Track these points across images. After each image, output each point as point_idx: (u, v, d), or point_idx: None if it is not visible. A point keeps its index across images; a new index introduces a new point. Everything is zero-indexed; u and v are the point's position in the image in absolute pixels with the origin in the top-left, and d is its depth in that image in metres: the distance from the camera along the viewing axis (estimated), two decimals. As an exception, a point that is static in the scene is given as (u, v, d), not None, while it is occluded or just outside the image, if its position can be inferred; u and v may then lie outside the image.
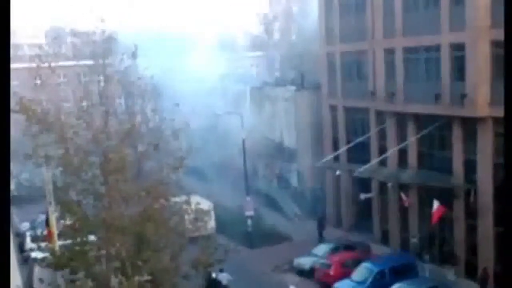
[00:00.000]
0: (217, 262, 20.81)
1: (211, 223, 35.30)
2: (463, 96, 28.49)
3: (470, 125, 29.00)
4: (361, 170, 34.33)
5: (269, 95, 49.29)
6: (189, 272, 20.12)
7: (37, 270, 24.65)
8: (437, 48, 30.16)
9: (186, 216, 20.41)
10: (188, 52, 53.51)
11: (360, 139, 36.79)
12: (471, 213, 29.58)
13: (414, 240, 33.15)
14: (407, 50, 32.47)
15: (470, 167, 29.47)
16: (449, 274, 30.15)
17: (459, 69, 29.16)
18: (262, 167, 50.91)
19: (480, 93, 27.73)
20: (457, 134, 29.90)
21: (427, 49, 31.22)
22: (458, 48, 28.93)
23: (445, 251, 31.55)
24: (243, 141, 40.10)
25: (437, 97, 30.07)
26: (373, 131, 36.17)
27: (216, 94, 52.89)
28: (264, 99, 49.82)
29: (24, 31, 76.08)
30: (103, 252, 19.16)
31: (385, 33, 34.03)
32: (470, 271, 29.89)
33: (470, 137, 29.27)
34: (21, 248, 33.79)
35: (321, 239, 36.95)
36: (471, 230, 29.86)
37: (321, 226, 37.98)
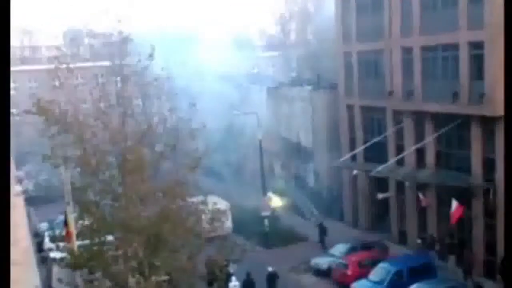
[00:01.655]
0: (233, 262, 20.83)
1: (228, 223, 35.40)
2: (482, 95, 28.24)
3: (488, 124, 28.73)
4: (379, 169, 34.15)
5: (285, 95, 49.24)
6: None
7: (55, 270, 24.88)
8: (455, 46, 29.90)
9: (203, 216, 20.46)
10: (204, 53, 53.60)
11: (377, 138, 36.59)
12: (490, 213, 29.29)
13: (418, 242, 32.97)
14: (425, 49, 32.23)
15: (488, 166, 29.18)
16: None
17: (477, 68, 28.89)
18: (279, 167, 50.85)
19: (499, 91, 27.37)
20: (475, 133, 29.63)
21: (445, 47, 30.97)
22: (477, 47, 28.67)
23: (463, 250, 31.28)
24: (260, 141, 40.09)
25: (455, 96, 29.82)
26: (390, 131, 35.96)
27: (232, 94, 52.94)
28: (281, 99, 49.78)
29: (42, 33, 76.78)
30: (121, 252, 19.27)
31: (402, 32, 33.82)
32: (489, 271, 29.59)
33: (488, 136, 29.00)
34: (39, 248, 34.08)
35: (323, 246, 36.17)
36: (490, 229, 29.57)
37: (322, 233, 37.05)
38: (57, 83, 19.78)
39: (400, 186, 35.79)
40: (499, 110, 27.39)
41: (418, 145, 33.32)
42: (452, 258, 31.20)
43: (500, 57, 27.07)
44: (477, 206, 30.05)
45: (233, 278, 29.04)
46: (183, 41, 54.41)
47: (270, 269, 30.66)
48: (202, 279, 20.59)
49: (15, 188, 10.92)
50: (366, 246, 34.08)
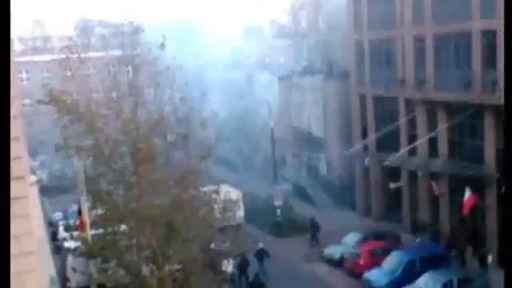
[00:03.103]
0: (246, 251, 20.89)
1: (240, 213, 35.44)
2: (495, 83, 27.99)
3: (502, 113, 28.48)
4: (391, 159, 34.05)
5: (297, 84, 49.11)
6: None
7: (70, 259, 25.09)
8: (468, 35, 29.64)
9: (215, 206, 20.52)
10: (215, 42, 53.58)
11: (389, 127, 36.44)
12: (504, 203, 29.12)
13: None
14: (437, 37, 31.99)
15: (502, 155, 28.98)
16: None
17: (490, 57, 28.62)
18: (291, 156, 50.84)
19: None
20: (488, 122, 29.42)
21: (458, 36, 30.71)
22: (489, 35, 28.40)
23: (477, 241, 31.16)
24: (272, 130, 40.07)
25: (468, 85, 29.62)
26: (402, 120, 35.80)
27: (244, 83, 52.92)
28: (292, 88, 49.66)
29: (53, 23, 77.00)
30: (134, 241, 19.38)
31: (414, 20, 33.58)
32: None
33: (501, 125, 28.76)
34: (54, 238, 34.35)
35: (315, 242, 35.78)
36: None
37: (314, 228, 36.44)
38: (69, 73, 19.87)
39: (412, 175, 35.67)
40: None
41: (431, 135, 33.15)
42: (469, 248, 31.02)
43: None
44: (490, 196, 29.88)
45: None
46: (194, 31, 54.41)
47: (260, 245, 30.73)
48: (214, 268, 20.65)
49: (29, 178, 10.97)
50: (379, 236, 34.04)
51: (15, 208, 7.63)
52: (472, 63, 29.57)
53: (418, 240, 33.31)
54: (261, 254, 31.24)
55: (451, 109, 31.82)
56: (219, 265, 22.06)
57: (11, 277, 7.29)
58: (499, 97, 27.80)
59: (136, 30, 19.94)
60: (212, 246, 22.29)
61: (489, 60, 28.72)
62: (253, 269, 30.15)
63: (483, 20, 28.69)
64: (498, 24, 27.58)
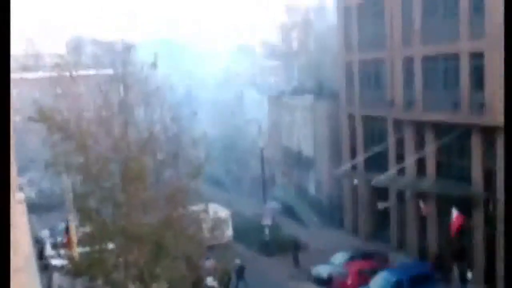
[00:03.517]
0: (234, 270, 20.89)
1: (229, 232, 35.43)
2: (482, 104, 28.34)
3: (489, 133, 28.80)
4: (379, 179, 34.22)
5: (287, 103, 49.38)
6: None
7: (56, 277, 24.97)
8: (456, 56, 30.04)
9: (204, 225, 20.54)
10: (206, 62, 53.85)
11: (378, 148, 36.67)
12: (491, 222, 29.31)
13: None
14: (426, 59, 32.38)
15: (489, 176, 29.24)
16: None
17: (478, 78, 28.99)
18: (280, 175, 50.93)
19: (500, 101, 27.48)
20: (476, 143, 29.70)
21: (446, 57, 31.10)
22: (477, 57, 28.79)
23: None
24: (261, 150, 40.18)
25: (456, 106, 29.94)
26: (391, 140, 36.05)
27: (234, 103, 53.12)
28: (282, 108, 49.92)
29: (44, 40, 77.02)
30: (122, 259, 19.33)
31: (403, 42, 34.00)
32: (490, 280, 29.60)
33: (489, 146, 29.07)
34: (41, 255, 34.11)
35: (296, 263, 35.65)
36: (491, 239, 29.58)
37: (296, 249, 36.20)
38: (59, 91, 19.93)
39: (400, 195, 35.84)
40: (500, 119, 27.46)
41: (419, 155, 33.39)
42: (455, 268, 31.14)
43: (501, 67, 27.22)
44: (478, 216, 30.07)
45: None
46: (185, 50, 54.67)
47: (237, 261, 30.70)
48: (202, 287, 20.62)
49: (18, 195, 10.98)
50: (366, 255, 34.07)
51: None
52: (460, 84, 29.91)
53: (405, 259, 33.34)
54: (240, 271, 31.07)
55: (439, 129, 32.11)
56: (207, 284, 22.04)
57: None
58: (487, 118, 28.16)
59: (128, 49, 20.13)
60: (200, 264, 22.27)
61: (477, 82, 29.07)
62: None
63: (471, 42, 29.09)
64: (486, 45, 28.02)
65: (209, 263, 25.62)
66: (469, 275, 29.96)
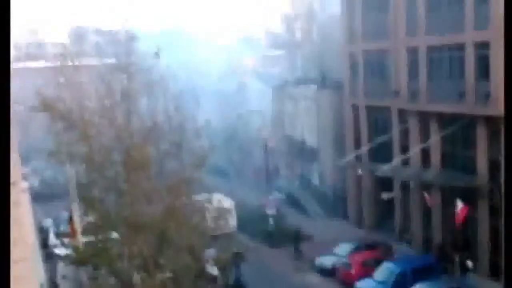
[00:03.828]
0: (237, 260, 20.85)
1: (233, 222, 35.41)
2: (488, 95, 28.16)
3: (494, 124, 28.63)
4: (383, 169, 34.11)
5: (290, 94, 49.23)
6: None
7: (60, 267, 24.97)
8: (461, 46, 29.82)
9: (208, 215, 20.50)
10: (209, 51, 53.71)
11: (382, 138, 36.53)
12: (496, 213, 29.21)
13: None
14: (431, 49, 32.17)
15: (494, 166, 29.10)
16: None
17: (483, 68, 28.80)
18: (284, 166, 50.86)
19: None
20: (481, 133, 29.55)
21: (451, 47, 30.90)
22: (482, 47, 28.58)
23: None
24: (265, 140, 40.09)
25: (461, 96, 29.76)
26: (395, 130, 35.91)
27: (237, 93, 53.01)
28: (286, 98, 49.78)
29: (47, 30, 76.97)
30: (126, 249, 19.31)
31: (408, 32, 33.77)
32: (494, 272, 29.54)
33: (494, 137, 28.91)
34: (44, 245, 34.18)
35: (298, 254, 35.49)
36: (496, 230, 29.49)
37: (297, 240, 36.00)
38: (62, 80, 19.82)
39: (405, 186, 35.74)
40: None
41: (423, 145, 33.26)
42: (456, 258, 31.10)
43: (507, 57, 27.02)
44: (483, 207, 29.96)
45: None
46: (188, 40, 54.53)
47: (235, 249, 30.55)
48: (208, 278, 20.61)
49: (21, 185, 10.93)
50: (370, 246, 34.04)
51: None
52: (465, 75, 29.73)
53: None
54: (238, 258, 30.85)
55: (443, 120, 31.95)
56: (209, 272, 22.01)
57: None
58: (492, 108, 27.99)
59: (131, 38, 19.99)
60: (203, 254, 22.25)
61: (482, 72, 28.89)
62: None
63: (476, 32, 28.87)
64: (491, 35, 27.81)
65: (211, 253, 25.59)
66: (469, 263, 30.04)
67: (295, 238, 36.08)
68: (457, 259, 30.58)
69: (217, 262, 21.04)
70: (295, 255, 35.48)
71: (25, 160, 42.71)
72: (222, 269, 20.79)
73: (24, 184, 16.40)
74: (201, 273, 20.43)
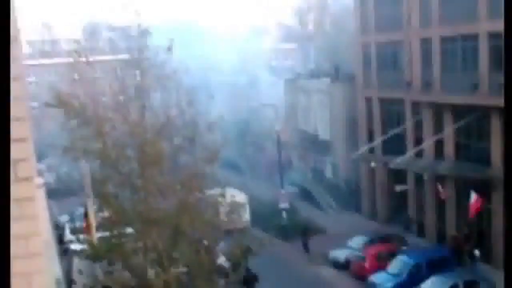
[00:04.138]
0: (252, 255, 20.90)
1: (246, 216, 35.46)
2: (502, 85, 27.87)
3: (508, 115, 28.41)
4: (397, 161, 34.02)
5: (303, 87, 49.15)
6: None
7: (76, 262, 25.17)
8: (475, 36, 29.61)
9: (221, 209, 20.55)
10: (222, 45, 53.69)
11: (396, 130, 36.40)
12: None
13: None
14: (444, 39, 31.97)
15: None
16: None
17: (497, 58, 28.56)
18: (297, 159, 50.84)
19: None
20: (495, 125, 29.33)
21: (465, 38, 30.68)
22: (497, 37, 28.34)
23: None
24: (278, 133, 40.09)
25: (475, 87, 29.57)
26: (408, 122, 35.77)
27: (250, 86, 52.99)
28: (299, 91, 49.71)
29: (61, 26, 77.37)
30: (140, 244, 19.43)
31: (421, 22, 33.58)
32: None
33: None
34: (60, 240, 34.50)
35: (306, 250, 35.46)
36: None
37: (305, 236, 35.86)
38: (76, 77, 19.94)
39: (418, 178, 35.61)
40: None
41: (437, 137, 33.10)
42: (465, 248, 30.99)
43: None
44: (497, 199, 29.78)
45: None
46: (200, 34, 54.54)
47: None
48: (219, 271, 20.67)
49: (37, 181, 11.06)
50: (384, 239, 34.01)
51: (23, 209, 7.71)
52: (479, 65, 29.53)
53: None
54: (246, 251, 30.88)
55: (457, 111, 31.77)
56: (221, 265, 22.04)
57: (18, 278, 7.37)
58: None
59: (144, 33, 20.03)
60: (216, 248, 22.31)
61: (496, 62, 28.65)
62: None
63: (490, 22, 28.64)
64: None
65: (222, 247, 25.61)
66: (477, 252, 30.13)
67: (303, 234, 35.98)
68: (468, 249, 30.55)
69: (230, 257, 21.08)
70: (304, 250, 35.43)
71: (40, 156, 43.15)
72: (235, 264, 20.84)
73: (39, 180, 16.57)
74: (214, 267, 20.51)
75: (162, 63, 20.06)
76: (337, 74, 45.45)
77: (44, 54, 71.14)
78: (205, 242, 20.13)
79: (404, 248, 31.96)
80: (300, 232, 36.92)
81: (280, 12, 67.96)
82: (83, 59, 19.60)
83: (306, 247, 35.65)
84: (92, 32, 69.09)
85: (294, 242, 36.87)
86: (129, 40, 20.42)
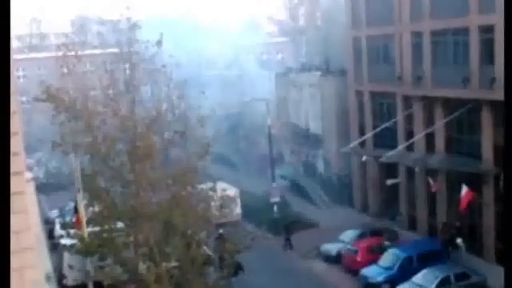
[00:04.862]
0: (243, 249, 20.88)
1: (237, 210, 35.40)
2: (492, 79, 27.98)
3: (499, 108, 28.46)
4: (388, 155, 34.02)
5: (294, 81, 49.06)
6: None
7: (66, 257, 25.05)
8: (466, 30, 29.62)
9: (213, 203, 20.51)
10: (213, 39, 53.47)
11: (387, 124, 36.42)
12: (501, 199, 29.14)
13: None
14: (435, 33, 31.96)
15: (499, 151, 28.98)
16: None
17: (488, 52, 28.60)
18: (288, 153, 50.82)
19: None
20: (486, 118, 29.40)
21: (455, 32, 30.69)
22: (487, 31, 28.38)
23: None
24: (269, 128, 40.02)
25: (466, 81, 29.59)
26: (400, 116, 35.78)
27: (241, 80, 52.85)
28: (290, 85, 49.61)
29: (50, 20, 76.84)
30: (131, 238, 19.37)
31: (412, 16, 33.55)
32: (500, 257, 29.52)
33: (499, 121, 28.76)
34: (50, 235, 34.31)
35: (287, 246, 35.25)
36: (501, 216, 29.43)
37: (287, 233, 35.67)
38: (66, 71, 19.78)
39: (409, 171, 35.66)
40: (510, 94, 27.08)
41: (428, 130, 33.14)
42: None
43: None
44: (488, 193, 29.89)
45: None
46: (191, 27, 54.30)
47: (220, 231, 30.18)
48: (211, 264, 20.66)
49: (26, 175, 10.95)
50: (376, 232, 34.08)
51: (14, 204, 7.58)
52: (470, 59, 29.54)
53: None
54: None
55: (448, 105, 31.81)
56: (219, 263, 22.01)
57: (10, 272, 7.27)
58: (497, 93, 27.81)
59: (133, 27, 19.89)
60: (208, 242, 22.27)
61: (487, 56, 28.69)
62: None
63: (481, 16, 28.65)
64: (496, 19, 27.58)
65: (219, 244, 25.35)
66: (459, 240, 30.39)
67: (286, 230, 35.72)
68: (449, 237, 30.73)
69: (222, 252, 21.08)
70: (286, 247, 35.16)
71: (29, 151, 42.86)
72: (227, 258, 20.83)
73: (29, 175, 16.45)
74: (206, 261, 20.47)
75: (152, 57, 19.94)
76: (328, 68, 45.39)
77: (33, 48, 70.64)
78: (197, 236, 20.09)
79: (387, 242, 31.95)
80: (293, 225, 36.89)
81: (271, 6, 67.78)
82: (73, 53, 19.46)
83: (289, 244, 35.23)
84: (81, 26, 68.67)
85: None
86: (118, 34, 20.25)
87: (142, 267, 19.07)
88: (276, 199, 38.45)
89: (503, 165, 12.94)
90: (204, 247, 22.36)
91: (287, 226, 36.10)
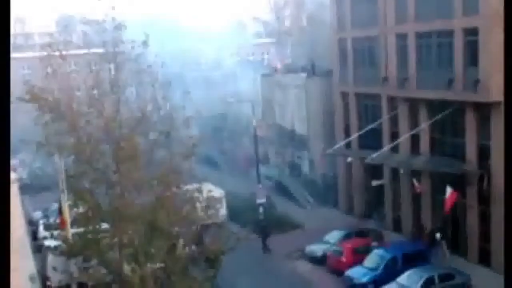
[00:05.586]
0: (228, 250, 20.84)
1: (223, 211, 35.31)
2: (476, 81, 28.20)
3: (483, 110, 28.72)
4: (373, 156, 34.14)
5: (280, 82, 49.12)
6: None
7: (50, 258, 24.85)
8: (450, 33, 29.81)
9: (198, 204, 20.43)
10: (198, 39, 53.40)
11: (372, 125, 36.57)
12: (485, 200, 29.37)
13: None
14: (420, 35, 32.14)
15: (483, 153, 29.23)
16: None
17: (472, 54, 28.82)
18: (274, 154, 50.85)
19: (494, 78, 27.37)
20: (470, 120, 29.63)
21: (440, 34, 30.88)
22: (472, 33, 28.59)
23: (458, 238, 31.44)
24: (255, 129, 40.00)
25: (450, 83, 29.78)
26: (385, 117, 35.94)
27: (227, 81, 52.81)
28: (275, 86, 49.66)
29: (34, 19, 76.29)
30: (116, 240, 19.25)
31: (397, 18, 33.72)
32: (484, 258, 29.75)
33: (483, 123, 29.01)
34: (34, 237, 34.03)
35: (265, 248, 35.20)
36: (485, 216, 29.66)
37: (265, 235, 35.54)
38: (50, 71, 19.62)
39: (394, 173, 35.84)
40: (494, 96, 27.38)
41: (413, 132, 33.32)
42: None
43: (495, 43, 27.01)
44: (472, 193, 30.12)
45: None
46: (176, 28, 54.14)
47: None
48: (196, 266, 20.59)
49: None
50: (361, 233, 34.21)
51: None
52: (454, 61, 29.74)
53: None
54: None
55: (433, 106, 32.00)
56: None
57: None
58: (481, 95, 28.04)
59: (118, 27, 19.77)
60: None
61: (471, 58, 28.90)
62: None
63: (465, 18, 28.85)
64: (480, 21, 27.81)
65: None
66: (438, 235, 30.77)
67: (263, 234, 35.57)
68: (444, 244, 30.89)
69: (208, 254, 21.00)
70: (264, 249, 35.09)
71: (13, 151, 42.40)
72: (212, 259, 20.78)
73: (13, 176, 16.28)
74: (190, 262, 20.41)
75: (137, 57, 19.84)
76: (313, 69, 45.47)
77: (17, 48, 70.00)
78: (182, 238, 20.03)
79: (376, 243, 32.09)
80: (279, 226, 36.86)
81: (256, 8, 67.78)
82: (57, 53, 19.31)
83: (266, 246, 35.07)
84: (66, 25, 68.21)
85: (271, 236, 36.81)
86: (103, 34, 20.09)
87: (126, 268, 18.97)
88: (262, 200, 38.40)
89: (503, 165, 13.04)
90: (189, 248, 22.31)
91: (264, 228, 35.91)
